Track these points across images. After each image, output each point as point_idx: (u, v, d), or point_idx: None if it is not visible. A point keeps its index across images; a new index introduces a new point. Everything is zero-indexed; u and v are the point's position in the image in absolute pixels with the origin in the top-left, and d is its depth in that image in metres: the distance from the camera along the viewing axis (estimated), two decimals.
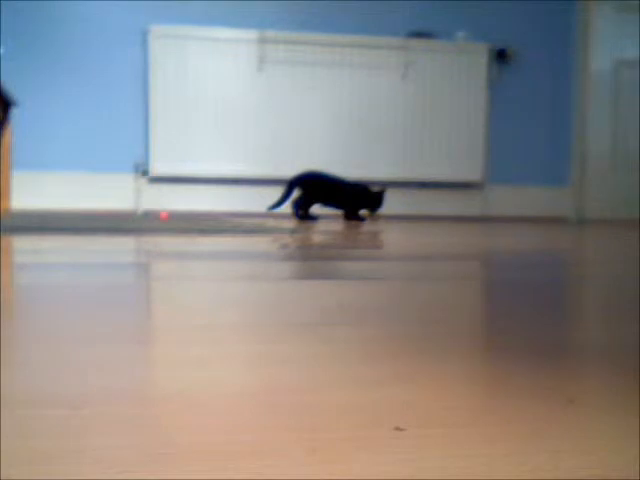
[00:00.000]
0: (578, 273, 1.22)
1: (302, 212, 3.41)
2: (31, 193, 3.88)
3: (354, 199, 3.46)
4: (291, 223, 3.02)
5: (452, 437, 0.38)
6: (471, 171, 4.25)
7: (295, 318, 0.73)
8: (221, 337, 0.63)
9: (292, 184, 3.41)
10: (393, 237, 2.24)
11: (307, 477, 0.32)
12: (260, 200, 4.10)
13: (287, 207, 3.58)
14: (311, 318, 0.73)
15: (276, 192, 4.08)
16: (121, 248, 1.57)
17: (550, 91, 4.41)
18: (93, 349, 0.57)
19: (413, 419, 0.40)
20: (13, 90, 3.83)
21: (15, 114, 3.82)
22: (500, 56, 4.28)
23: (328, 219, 3.62)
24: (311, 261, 1.36)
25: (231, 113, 4.01)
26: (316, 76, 4.09)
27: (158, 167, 3.92)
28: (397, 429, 0.38)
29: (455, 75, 4.21)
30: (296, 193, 3.45)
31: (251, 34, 3.99)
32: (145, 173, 3.92)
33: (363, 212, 3.97)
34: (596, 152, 4.45)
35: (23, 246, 1.59)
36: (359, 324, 0.70)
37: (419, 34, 4.17)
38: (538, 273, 1.20)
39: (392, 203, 4.23)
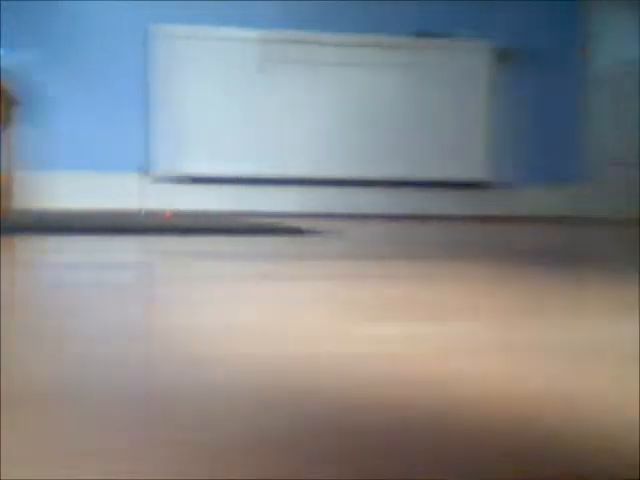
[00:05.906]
0: None
1: None
2: (33, 193, 3.88)
3: None
4: (298, 222, 2.98)
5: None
6: (473, 171, 4.24)
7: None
8: (220, 338, 0.63)
9: None
10: None
11: (306, 477, 0.32)
12: (263, 199, 4.10)
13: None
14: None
15: (277, 192, 4.08)
16: (124, 247, 1.57)
17: (551, 91, 4.40)
18: (93, 349, 0.57)
19: None
20: (14, 90, 3.84)
21: (17, 114, 3.82)
22: (502, 56, 4.27)
23: None
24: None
25: (233, 113, 4.01)
26: (318, 75, 4.08)
27: (161, 167, 3.92)
28: None
29: (458, 74, 4.21)
30: None
31: (253, 34, 3.99)
32: (148, 173, 3.92)
33: None
34: (597, 152, 4.44)
35: (26, 246, 1.59)
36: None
37: (422, 34, 4.17)
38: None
39: (394, 203, 4.22)
